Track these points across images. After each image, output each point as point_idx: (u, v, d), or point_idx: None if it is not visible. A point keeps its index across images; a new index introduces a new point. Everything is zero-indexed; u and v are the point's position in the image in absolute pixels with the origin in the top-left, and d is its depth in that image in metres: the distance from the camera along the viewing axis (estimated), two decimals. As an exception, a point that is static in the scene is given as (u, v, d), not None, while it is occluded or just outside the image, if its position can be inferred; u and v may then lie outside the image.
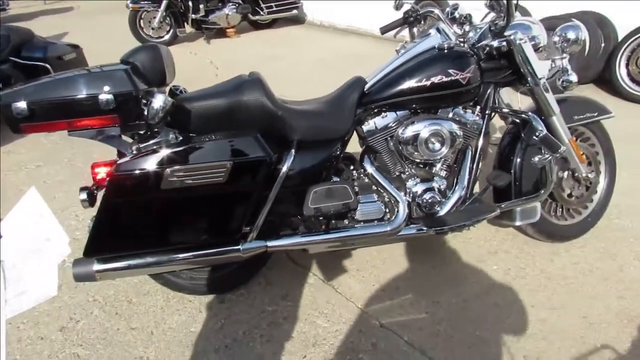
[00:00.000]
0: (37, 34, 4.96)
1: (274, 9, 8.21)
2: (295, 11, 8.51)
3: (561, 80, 2.16)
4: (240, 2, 7.80)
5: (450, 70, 2.03)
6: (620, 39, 4.79)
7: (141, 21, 7.45)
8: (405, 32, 2.61)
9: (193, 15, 7.53)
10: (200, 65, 6.50)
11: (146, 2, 7.27)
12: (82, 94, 1.67)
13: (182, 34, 7.64)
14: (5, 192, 3.36)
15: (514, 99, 2.37)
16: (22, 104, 1.62)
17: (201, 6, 7.48)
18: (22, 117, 1.64)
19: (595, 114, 2.43)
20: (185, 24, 7.67)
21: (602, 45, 4.79)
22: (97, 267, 1.89)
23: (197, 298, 2.28)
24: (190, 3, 7.42)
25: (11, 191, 3.37)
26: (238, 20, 7.97)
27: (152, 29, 7.48)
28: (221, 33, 8.12)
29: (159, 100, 1.70)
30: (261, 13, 8.13)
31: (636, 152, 3.59)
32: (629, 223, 2.76)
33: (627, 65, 4.70)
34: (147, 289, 2.35)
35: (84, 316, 2.22)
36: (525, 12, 5.21)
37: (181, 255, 1.96)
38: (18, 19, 9.82)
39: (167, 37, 7.62)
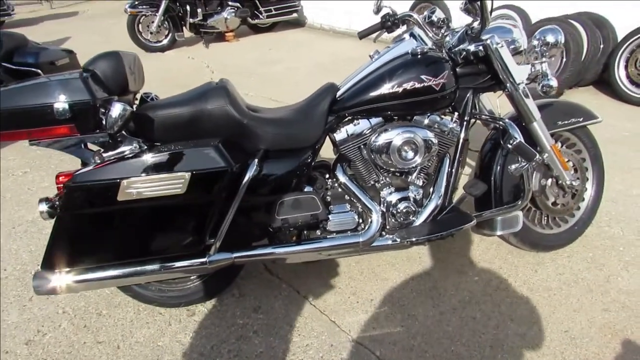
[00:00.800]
0: (37, 39, 4.98)
1: (273, 12, 8.18)
2: (294, 14, 8.48)
3: (541, 85, 2.08)
4: (239, 5, 7.77)
5: (423, 76, 1.96)
6: (619, 40, 4.69)
7: (139, 25, 7.44)
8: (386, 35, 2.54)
9: (191, 20, 7.52)
10: (196, 70, 6.48)
11: (144, 6, 7.26)
12: (37, 103, 1.64)
13: (180, 38, 7.62)
14: (-13, 200, 3.34)
15: (496, 105, 2.29)
16: (-24, 114, 1.59)
17: (199, 10, 7.46)
18: (-22, 127, 1.61)
19: (581, 119, 2.35)
20: (184, 28, 7.65)
21: (601, 46, 4.70)
22: (58, 280, 1.84)
23: (168, 310, 2.23)
24: (188, 7, 7.40)
25: (-5, 199, 3.35)
26: (237, 24, 7.96)
27: (151, 33, 7.48)
28: (220, 37, 8.11)
29: (117, 109, 1.66)
30: (260, 17, 8.10)
31: (630, 156, 3.51)
32: (619, 231, 2.67)
33: (626, 67, 4.60)
34: (119, 301, 2.30)
35: (52, 329, 2.17)
36: (522, 14, 5.14)
37: (145, 268, 1.91)
38: (22, 24, 9.90)
39: (165, 41, 7.61)
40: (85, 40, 8.29)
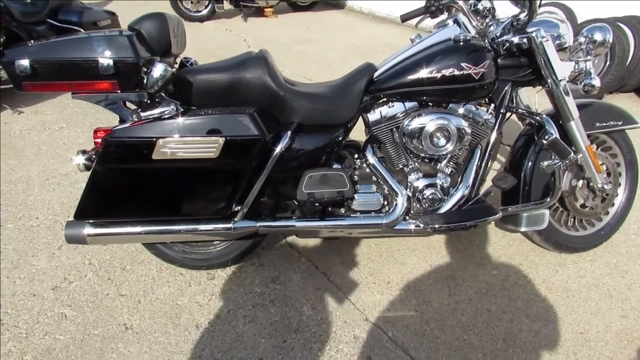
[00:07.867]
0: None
1: (314, -9, 8.14)
2: (335, -5, 8.42)
3: (583, 83, 2.04)
4: (280, -18, 7.76)
5: (463, 64, 1.94)
6: (668, 47, 4.53)
7: (181, -6, 7.50)
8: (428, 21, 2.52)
9: (232, -8, 7.54)
10: (232, 42, 6.51)
11: (188, -25, 7.31)
12: (84, 56, 1.68)
13: (220, 9, 7.67)
14: (24, 150, 3.45)
15: (534, 100, 2.26)
16: (25, 62, 1.65)
17: (241, -17, 7.47)
18: (25, 75, 1.67)
19: (620, 123, 2.30)
20: (224, 0, 7.68)
21: (648, 53, 4.54)
22: (88, 230, 1.92)
23: (189, 272, 2.29)
24: (231, -21, 7.43)
25: (31, 150, 3.45)
26: (277, 0, 7.94)
27: (191, 2, 7.54)
28: (259, 12, 8.12)
29: (158, 70, 1.70)
30: (301, -6, 8.08)
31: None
32: (646, 241, 2.63)
33: (671, 76, 4.44)
34: (142, 258, 2.37)
35: (78, 278, 2.25)
36: (569, 13, 5.01)
37: (172, 227, 1.97)
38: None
39: (205, 11, 7.67)
40: (125, 4, 8.37)
